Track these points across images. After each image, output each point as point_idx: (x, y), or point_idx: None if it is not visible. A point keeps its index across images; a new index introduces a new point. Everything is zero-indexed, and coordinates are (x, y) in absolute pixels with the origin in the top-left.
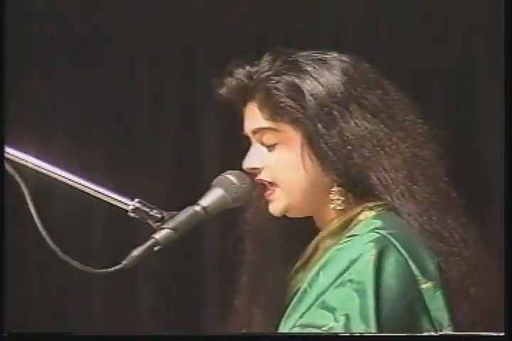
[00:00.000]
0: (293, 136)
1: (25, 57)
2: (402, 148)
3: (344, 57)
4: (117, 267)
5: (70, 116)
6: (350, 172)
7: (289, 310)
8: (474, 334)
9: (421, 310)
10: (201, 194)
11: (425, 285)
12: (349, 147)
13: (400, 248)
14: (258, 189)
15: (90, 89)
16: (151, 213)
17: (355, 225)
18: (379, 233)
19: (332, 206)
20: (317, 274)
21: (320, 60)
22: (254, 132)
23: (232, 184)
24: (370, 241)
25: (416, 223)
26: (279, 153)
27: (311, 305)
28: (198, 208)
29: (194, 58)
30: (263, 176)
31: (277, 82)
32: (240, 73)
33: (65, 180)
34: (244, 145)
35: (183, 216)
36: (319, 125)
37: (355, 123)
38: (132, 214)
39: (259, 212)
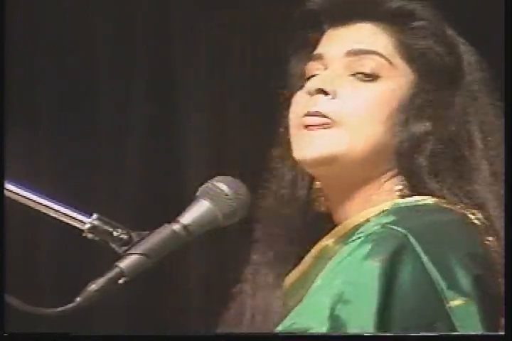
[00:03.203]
0: (403, 80)
1: None
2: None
3: None
4: (69, 306)
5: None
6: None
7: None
8: (474, 335)
9: (445, 331)
10: (181, 208)
11: (454, 303)
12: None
13: (421, 253)
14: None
15: None
16: (115, 233)
17: (368, 224)
18: (392, 229)
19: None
20: (315, 284)
21: None
22: (350, 54)
23: (225, 195)
24: (377, 239)
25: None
26: (375, 88)
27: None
28: (177, 227)
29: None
30: (327, 107)
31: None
32: None
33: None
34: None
35: (157, 237)
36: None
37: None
38: (89, 235)
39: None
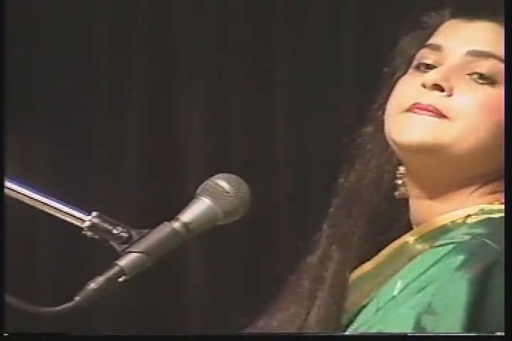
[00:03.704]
0: None
1: None
2: None
3: None
4: (68, 305)
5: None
6: None
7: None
8: (474, 335)
9: None
10: (182, 206)
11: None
12: None
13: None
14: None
15: None
16: (115, 231)
17: (457, 230)
18: (486, 242)
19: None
20: (393, 286)
21: None
22: (471, 53)
23: (225, 192)
24: (471, 251)
25: None
26: (487, 91)
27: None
28: (177, 225)
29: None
30: (441, 103)
31: None
32: None
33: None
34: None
35: (157, 235)
36: None
37: None
38: (89, 233)
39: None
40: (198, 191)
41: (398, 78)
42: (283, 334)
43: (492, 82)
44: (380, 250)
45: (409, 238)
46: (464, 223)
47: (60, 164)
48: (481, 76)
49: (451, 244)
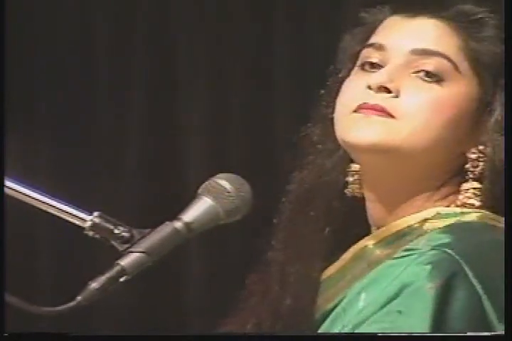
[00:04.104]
0: (468, 86)
1: None
2: None
3: None
4: (70, 305)
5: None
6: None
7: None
8: (474, 334)
9: None
10: (183, 205)
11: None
12: None
13: (473, 279)
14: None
15: None
16: (116, 231)
17: (417, 235)
18: (447, 253)
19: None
20: (357, 296)
21: None
22: (414, 52)
23: (226, 192)
24: (432, 263)
25: None
26: (436, 90)
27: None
28: (178, 225)
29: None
30: (388, 103)
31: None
32: None
33: None
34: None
35: (158, 235)
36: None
37: None
38: (90, 233)
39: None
40: (200, 191)
41: (344, 76)
42: (283, 334)
43: (439, 79)
44: (339, 249)
45: (368, 242)
46: (420, 227)
47: (60, 164)
48: (427, 74)
49: (412, 255)
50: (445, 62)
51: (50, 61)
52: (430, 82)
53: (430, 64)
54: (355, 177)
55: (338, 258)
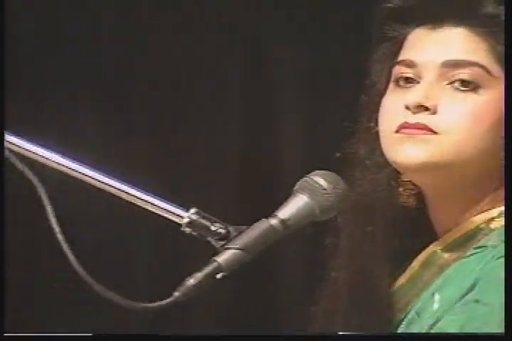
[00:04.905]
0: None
1: None
2: None
3: None
4: (168, 301)
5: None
6: None
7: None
8: (474, 334)
9: None
10: (279, 202)
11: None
12: None
13: None
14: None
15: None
16: (213, 228)
17: (485, 235)
18: None
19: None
20: (431, 299)
21: None
22: (446, 65)
23: (322, 189)
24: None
25: None
26: (473, 98)
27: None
28: (274, 221)
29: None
30: (428, 121)
31: None
32: None
33: (94, 182)
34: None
35: (255, 232)
36: None
37: None
38: (187, 230)
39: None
40: (296, 188)
41: (381, 90)
42: (284, 334)
43: (475, 87)
44: (404, 259)
45: (436, 247)
46: (487, 226)
47: (159, 161)
48: (463, 83)
49: (484, 251)
50: (477, 69)
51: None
52: (466, 91)
53: (464, 73)
54: (408, 187)
55: (405, 269)
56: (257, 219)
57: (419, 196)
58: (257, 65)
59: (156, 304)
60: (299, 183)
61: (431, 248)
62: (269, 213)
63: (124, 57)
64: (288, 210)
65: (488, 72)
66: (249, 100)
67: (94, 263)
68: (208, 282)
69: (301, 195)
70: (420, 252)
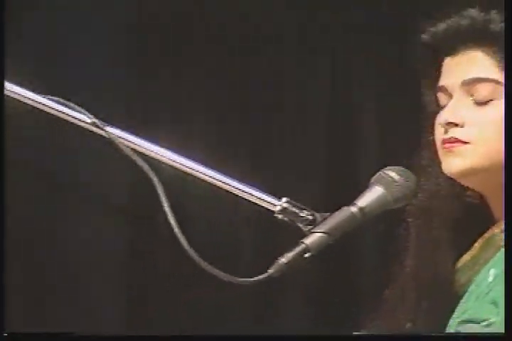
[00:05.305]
0: None
1: None
2: None
3: None
4: (264, 275)
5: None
6: None
7: (457, 309)
8: (474, 334)
9: None
10: (357, 193)
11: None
12: None
13: None
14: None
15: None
16: (301, 214)
17: None
18: None
19: None
20: (486, 274)
21: None
22: (465, 83)
23: (394, 182)
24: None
25: None
26: (492, 109)
27: (476, 301)
28: (354, 209)
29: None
30: (459, 134)
31: None
32: (463, 15)
33: (201, 175)
34: (406, 137)
35: (337, 218)
36: None
37: None
38: (279, 216)
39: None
40: (372, 181)
41: (432, 111)
42: (284, 334)
43: (491, 99)
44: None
45: (495, 230)
46: None
47: (258, 153)
48: (481, 97)
49: None
50: (491, 83)
51: None
52: (485, 103)
53: (480, 89)
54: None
55: (468, 250)
56: (339, 208)
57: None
58: (342, 76)
59: (254, 278)
60: (374, 177)
61: (491, 230)
62: (350, 202)
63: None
64: (365, 199)
65: (500, 83)
66: (334, 110)
67: (202, 246)
68: (297, 261)
69: (376, 187)
70: (481, 236)
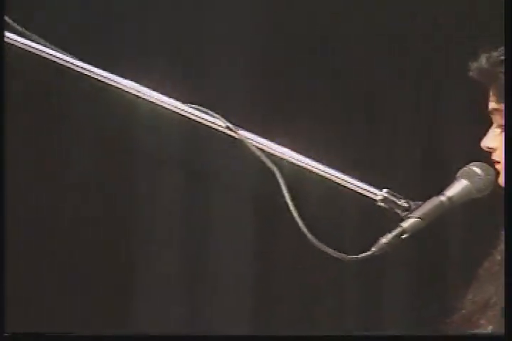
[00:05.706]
0: None
1: None
2: None
3: None
4: (368, 253)
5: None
6: None
7: None
8: (474, 334)
9: None
10: (445, 185)
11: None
12: None
13: None
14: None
15: None
16: (399, 203)
17: None
18: None
19: None
20: None
21: None
22: (491, 112)
23: (477, 175)
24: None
25: None
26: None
27: None
28: (443, 198)
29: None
30: (495, 156)
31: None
32: (483, 57)
33: (315, 169)
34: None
35: (429, 205)
36: None
37: None
38: (381, 204)
39: None
40: (458, 174)
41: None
42: (284, 334)
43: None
44: None
45: None
46: None
47: (362, 151)
48: (500, 126)
49: None
50: (499, 111)
51: None
52: (502, 129)
53: (498, 117)
54: None
55: None
56: (430, 197)
57: None
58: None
59: (359, 255)
60: (460, 171)
61: None
62: (439, 192)
63: None
64: (453, 190)
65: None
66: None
67: (315, 228)
68: (395, 241)
69: (462, 180)
70: None
